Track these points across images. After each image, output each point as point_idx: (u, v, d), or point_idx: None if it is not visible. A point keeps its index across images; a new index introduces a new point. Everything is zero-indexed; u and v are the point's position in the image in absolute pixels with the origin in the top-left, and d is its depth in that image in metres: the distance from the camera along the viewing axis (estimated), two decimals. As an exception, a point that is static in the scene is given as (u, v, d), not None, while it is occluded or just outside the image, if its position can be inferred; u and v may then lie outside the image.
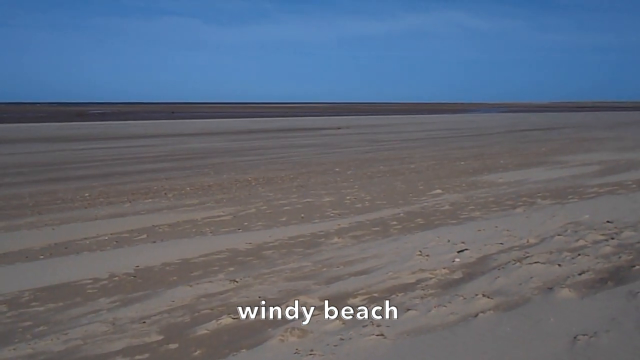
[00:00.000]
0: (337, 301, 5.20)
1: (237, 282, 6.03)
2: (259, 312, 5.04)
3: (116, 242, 8.14)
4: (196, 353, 4.31)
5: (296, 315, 4.88)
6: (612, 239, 6.67)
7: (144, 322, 5.01)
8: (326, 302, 5.16)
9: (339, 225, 8.64)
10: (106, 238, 8.36)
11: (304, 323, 4.65)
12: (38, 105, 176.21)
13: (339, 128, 40.09)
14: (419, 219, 8.78)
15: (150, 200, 11.48)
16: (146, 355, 4.35)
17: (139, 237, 8.34)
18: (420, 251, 6.72)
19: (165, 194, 12.24)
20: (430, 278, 5.69)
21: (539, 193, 10.72)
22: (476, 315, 4.51)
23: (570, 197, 10.13)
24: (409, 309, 4.76)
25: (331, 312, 4.81)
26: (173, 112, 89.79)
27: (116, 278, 6.44)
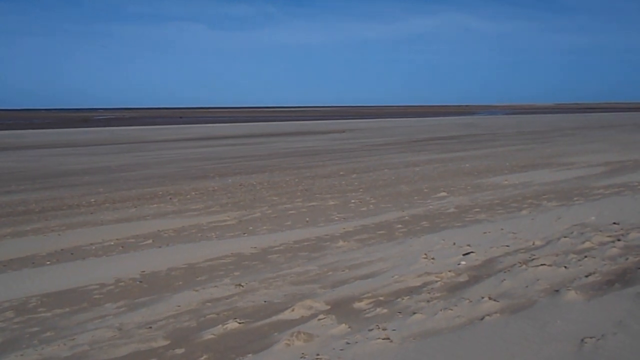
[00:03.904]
0: (343, 305, 5.20)
1: (242, 286, 6.03)
2: (264, 316, 5.05)
3: (122, 247, 8.16)
4: (202, 358, 4.31)
5: (302, 319, 4.88)
6: (619, 240, 6.64)
7: (150, 327, 5.02)
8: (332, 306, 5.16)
9: (344, 228, 8.64)
10: (112, 243, 8.39)
11: (310, 327, 4.65)
12: (43, 111, 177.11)
13: (344, 131, 40.10)
14: (424, 222, 8.77)
15: (155, 205, 11.51)
16: (152, 360, 4.36)
17: (145, 242, 8.36)
18: (425, 254, 6.71)
19: (171, 198, 12.27)
20: (436, 281, 5.68)
21: (544, 195, 10.69)
22: (482, 319, 4.50)
23: (576, 198, 10.10)
24: (415, 313, 4.76)
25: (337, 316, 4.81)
26: (181, 117, 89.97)
27: (122, 283, 6.45)
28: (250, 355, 4.26)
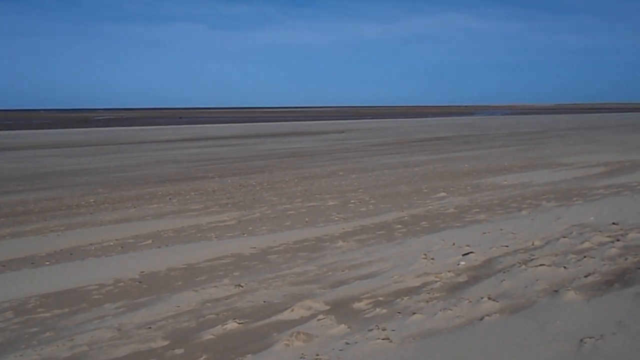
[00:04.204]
0: (343, 305, 5.20)
1: (242, 286, 6.03)
2: (264, 317, 5.05)
3: (121, 247, 8.16)
4: (202, 358, 4.31)
5: (301, 320, 4.88)
6: (618, 240, 6.65)
7: (150, 328, 5.02)
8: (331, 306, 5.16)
9: (343, 229, 8.64)
10: (111, 244, 8.38)
11: (309, 327, 4.65)
12: (43, 112, 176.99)
13: (343, 132, 40.10)
14: (424, 222, 8.77)
15: (155, 205, 11.50)
16: (152, 360, 4.36)
17: (144, 243, 8.36)
18: (425, 254, 6.72)
19: (170, 199, 12.26)
20: (436, 281, 5.68)
21: (543, 195, 10.70)
22: (482, 319, 4.50)
23: (575, 199, 10.11)
24: (414, 313, 4.76)
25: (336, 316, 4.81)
26: (180, 117, 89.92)
27: (121, 284, 6.45)
28: (249, 355, 4.26)
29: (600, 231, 7.26)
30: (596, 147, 21.84)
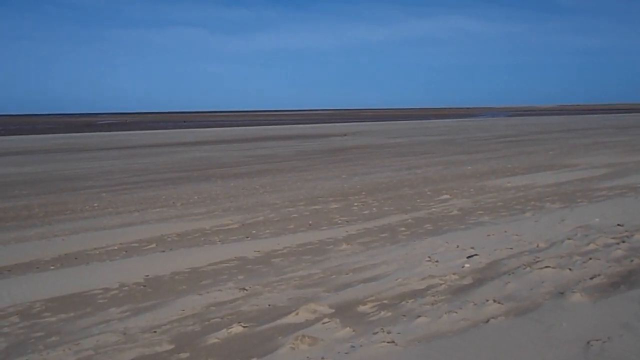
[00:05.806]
0: (347, 308, 5.20)
1: (246, 290, 6.03)
2: (269, 320, 5.05)
3: (126, 251, 8.17)
4: (207, 362, 4.31)
5: (306, 323, 4.88)
6: (623, 242, 6.63)
7: (155, 332, 5.02)
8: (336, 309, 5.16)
9: (347, 232, 8.63)
10: (116, 248, 8.39)
11: (314, 331, 4.64)
12: (47, 116, 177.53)
13: (345, 135, 40.10)
14: (428, 225, 8.76)
15: (158, 209, 11.51)
16: (157, 364, 4.36)
17: (148, 247, 8.37)
18: (429, 257, 6.71)
19: (174, 203, 12.27)
20: (440, 284, 5.68)
21: (547, 197, 10.68)
22: (487, 321, 4.49)
23: (579, 200, 10.09)
24: (419, 316, 4.75)
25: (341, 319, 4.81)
26: (184, 122, 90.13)
27: (126, 288, 6.46)
28: (255, 359, 4.26)
29: (605, 232, 7.24)
30: (599, 148, 21.81)
